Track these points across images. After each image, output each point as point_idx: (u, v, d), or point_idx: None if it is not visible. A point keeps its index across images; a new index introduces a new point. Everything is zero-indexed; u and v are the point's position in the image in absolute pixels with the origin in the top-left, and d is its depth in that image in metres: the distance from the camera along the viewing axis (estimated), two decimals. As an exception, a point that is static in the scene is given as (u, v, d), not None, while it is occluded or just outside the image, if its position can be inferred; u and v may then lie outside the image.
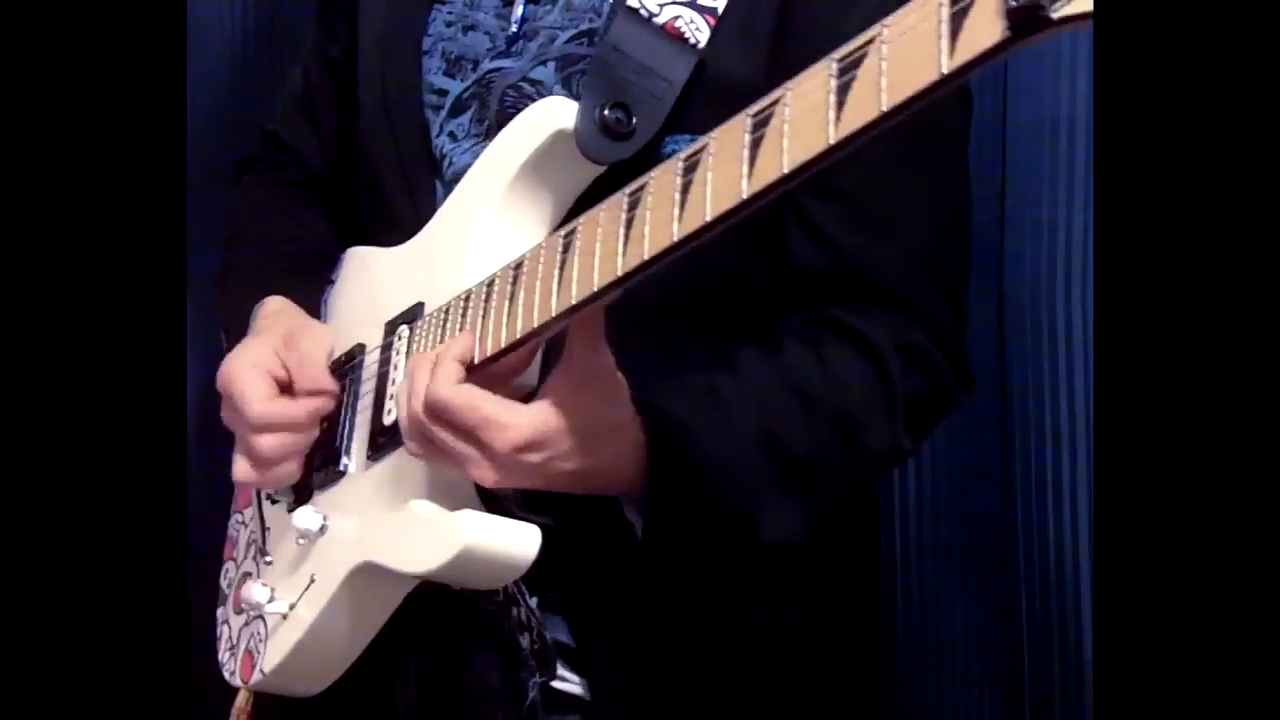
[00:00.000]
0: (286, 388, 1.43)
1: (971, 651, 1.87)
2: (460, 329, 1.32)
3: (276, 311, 1.52)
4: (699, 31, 1.36)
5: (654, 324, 1.37)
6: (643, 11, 1.36)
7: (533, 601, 1.39)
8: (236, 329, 1.53)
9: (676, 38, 1.36)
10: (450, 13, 1.52)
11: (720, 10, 1.36)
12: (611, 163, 1.34)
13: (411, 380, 1.29)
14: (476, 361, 1.28)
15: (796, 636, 1.45)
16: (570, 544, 1.37)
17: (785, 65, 1.28)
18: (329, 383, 1.43)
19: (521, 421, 1.25)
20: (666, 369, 1.34)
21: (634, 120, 1.33)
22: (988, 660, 1.86)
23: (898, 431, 1.38)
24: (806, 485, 1.35)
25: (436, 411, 1.25)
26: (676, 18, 1.36)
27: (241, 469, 1.43)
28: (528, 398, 1.28)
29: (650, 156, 1.32)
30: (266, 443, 1.41)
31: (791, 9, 1.36)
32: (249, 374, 1.42)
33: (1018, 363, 1.79)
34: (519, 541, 1.30)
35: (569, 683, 1.40)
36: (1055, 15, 0.85)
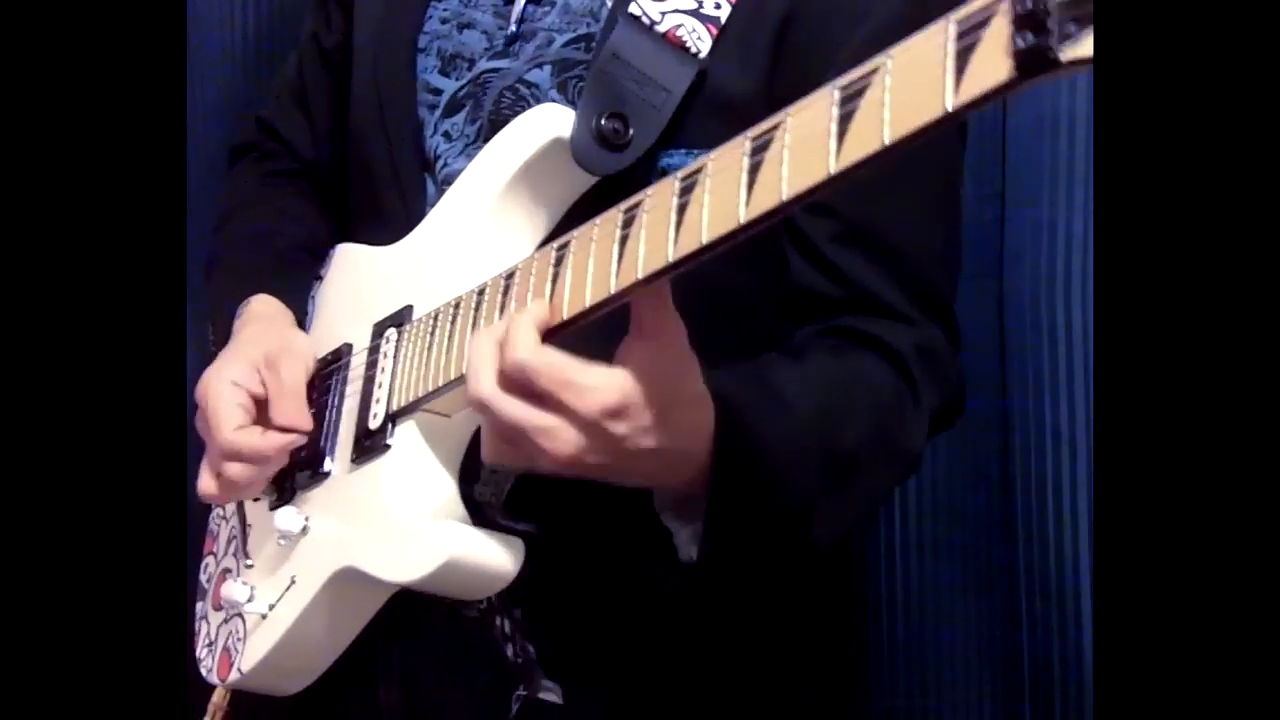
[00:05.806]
0: (263, 406, 1.41)
1: (971, 651, 1.87)
2: (450, 336, 1.30)
3: (261, 316, 1.50)
4: (701, 41, 1.34)
5: None
6: (644, 19, 1.35)
7: (516, 613, 1.38)
8: (221, 323, 1.52)
9: (678, 46, 1.34)
10: (446, 10, 1.50)
11: (723, 20, 1.34)
12: (606, 174, 1.32)
13: (478, 361, 1.17)
14: None
15: (777, 656, 1.44)
16: (554, 552, 1.35)
17: (782, 81, 1.29)
18: (304, 420, 1.40)
19: (610, 384, 1.13)
20: None
21: (630, 132, 1.31)
22: (988, 660, 1.86)
23: (924, 434, 1.35)
24: (845, 482, 1.30)
25: (515, 378, 1.14)
26: (678, 26, 1.35)
27: (206, 485, 1.42)
28: None
29: (645, 169, 1.31)
30: (233, 469, 1.40)
31: (792, 24, 1.34)
32: (225, 394, 1.40)
33: (1018, 361, 1.78)
34: (502, 555, 1.29)
35: (547, 691, 1.39)
36: (1064, 58, 0.83)
